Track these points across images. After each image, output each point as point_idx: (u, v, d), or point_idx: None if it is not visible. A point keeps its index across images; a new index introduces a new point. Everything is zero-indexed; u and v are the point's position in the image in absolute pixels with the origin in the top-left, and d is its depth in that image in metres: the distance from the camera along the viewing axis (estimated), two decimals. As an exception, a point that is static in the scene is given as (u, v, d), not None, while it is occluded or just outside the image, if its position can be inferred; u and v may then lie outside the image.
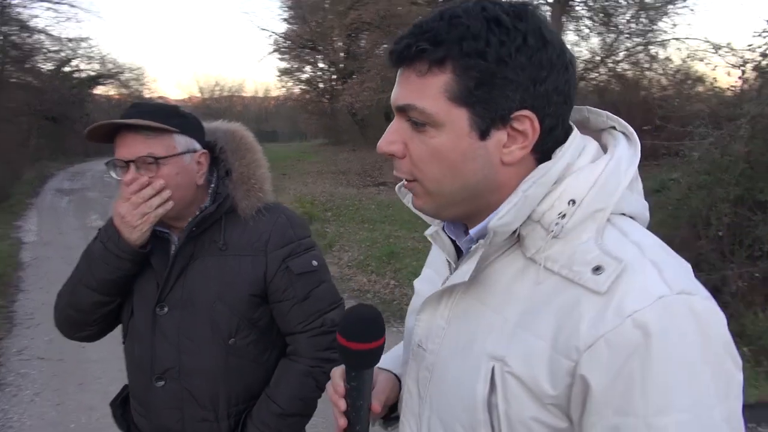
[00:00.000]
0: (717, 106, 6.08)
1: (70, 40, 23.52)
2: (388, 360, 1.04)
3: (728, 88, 6.17)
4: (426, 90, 0.74)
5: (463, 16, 0.72)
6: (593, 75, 12.75)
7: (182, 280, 1.45)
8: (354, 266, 7.49)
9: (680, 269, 0.71)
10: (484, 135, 0.74)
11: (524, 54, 0.72)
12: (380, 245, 8.03)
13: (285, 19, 23.43)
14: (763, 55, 5.48)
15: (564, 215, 0.73)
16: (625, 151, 0.77)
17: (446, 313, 0.84)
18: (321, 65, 23.45)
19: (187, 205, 1.46)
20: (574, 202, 0.73)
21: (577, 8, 13.25)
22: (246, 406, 1.50)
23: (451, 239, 0.88)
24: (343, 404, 0.90)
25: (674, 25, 13.29)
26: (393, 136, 0.79)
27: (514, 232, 0.77)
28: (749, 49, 5.61)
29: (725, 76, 12.17)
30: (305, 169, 15.99)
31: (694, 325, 0.65)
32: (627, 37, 12.23)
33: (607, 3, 12.32)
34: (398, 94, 0.77)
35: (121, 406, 1.61)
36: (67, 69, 27.01)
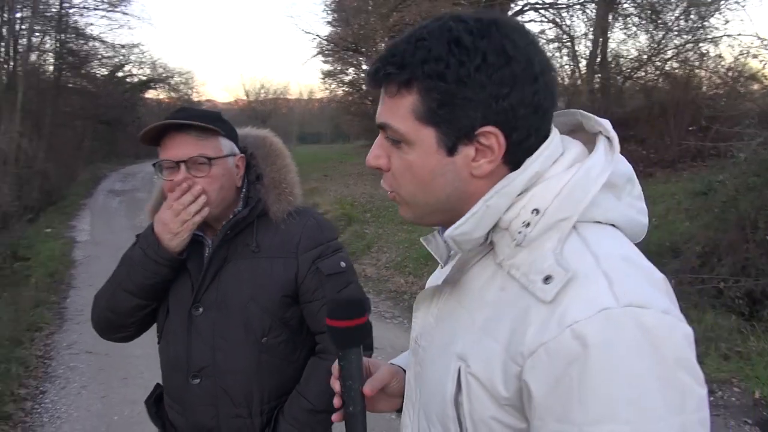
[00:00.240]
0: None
1: (123, 46, 24.33)
2: (402, 358, 1.10)
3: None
4: (397, 110, 0.79)
5: (427, 39, 0.76)
6: (640, 74, 12.40)
7: (216, 282, 1.49)
8: (392, 267, 7.52)
9: (640, 282, 0.70)
10: (451, 151, 0.77)
11: (484, 72, 0.74)
12: (418, 247, 8.02)
13: (328, 22, 23.74)
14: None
15: (528, 224, 0.74)
16: (600, 159, 0.77)
17: (436, 312, 0.88)
18: (364, 67, 23.61)
19: (228, 206, 1.50)
20: (537, 211, 0.74)
21: (625, 5, 12.93)
22: (277, 403, 1.54)
23: (446, 243, 0.90)
24: (338, 386, 0.97)
25: (726, 21, 12.83)
26: (378, 151, 0.83)
27: (488, 239, 0.79)
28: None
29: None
30: (346, 171, 16.12)
31: (640, 339, 0.65)
32: (676, 35, 11.85)
33: (655, 0, 11.99)
34: (378, 113, 0.82)
35: (155, 404, 1.66)
36: (120, 74, 27.99)
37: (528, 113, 0.76)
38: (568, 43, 12.91)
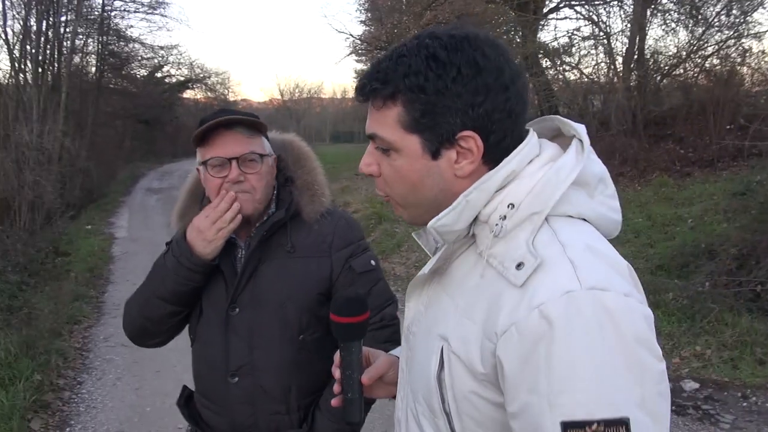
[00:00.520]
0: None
1: (161, 47, 24.90)
2: (399, 350, 1.17)
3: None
4: (384, 121, 0.87)
5: (407, 55, 0.84)
6: (679, 71, 12.06)
7: (252, 283, 1.52)
8: (420, 266, 7.49)
9: (603, 268, 0.76)
10: (435, 155, 0.86)
11: (459, 83, 0.82)
12: (448, 246, 8.00)
13: (362, 21, 23.83)
14: None
15: (505, 217, 0.82)
16: (570, 160, 0.84)
17: (426, 300, 0.96)
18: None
19: (267, 205, 1.54)
20: (513, 205, 0.82)
21: (663, 0, 12.62)
22: (313, 398, 1.57)
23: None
24: (338, 373, 1.07)
25: (771, 15, 12.38)
26: (369, 159, 0.92)
27: (470, 232, 0.87)
28: None
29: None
30: (378, 170, 16.12)
31: (601, 317, 0.71)
32: (717, 30, 11.51)
33: (695, -6, 11.66)
34: (367, 124, 0.91)
35: (185, 405, 1.69)
36: (159, 75, 28.66)
37: (502, 117, 0.84)
38: (604, 40, 12.65)
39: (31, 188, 10.64)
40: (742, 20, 10.95)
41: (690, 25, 11.98)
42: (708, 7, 11.71)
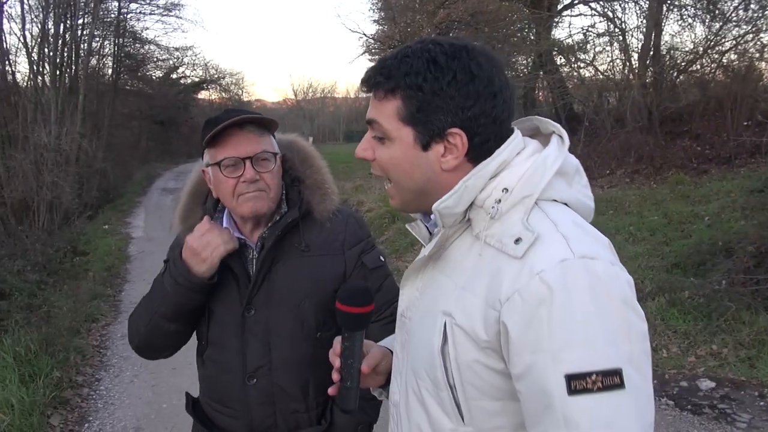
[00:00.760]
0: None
1: (177, 49, 25.21)
2: (388, 341, 1.26)
3: None
4: (383, 111, 0.97)
5: (410, 56, 0.94)
6: (695, 67, 11.92)
7: (267, 283, 1.51)
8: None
9: (590, 241, 0.87)
10: (425, 147, 0.95)
11: (453, 87, 0.92)
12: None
13: (375, 21, 23.86)
14: None
15: (500, 200, 0.92)
16: (553, 150, 0.95)
17: (420, 285, 1.04)
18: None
19: (278, 205, 1.53)
20: (507, 190, 0.92)
21: (680, -5, 12.47)
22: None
23: (428, 228, 1.09)
24: (338, 362, 1.13)
25: (790, 10, 12.18)
26: (365, 144, 1.02)
27: (465, 216, 0.96)
28: None
29: None
30: (392, 169, 16.12)
31: (594, 282, 0.81)
32: (735, 25, 11.36)
33: (712, -11, 11.51)
34: (369, 111, 1.01)
35: (194, 411, 1.68)
36: (174, 76, 28.93)
37: (488, 122, 0.94)
38: (619, 37, 12.54)
39: (49, 189, 10.81)
40: (760, 15, 10.80)
41: (707, 20, 11.84)
42: (725, 2, 11.57)
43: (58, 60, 13.96)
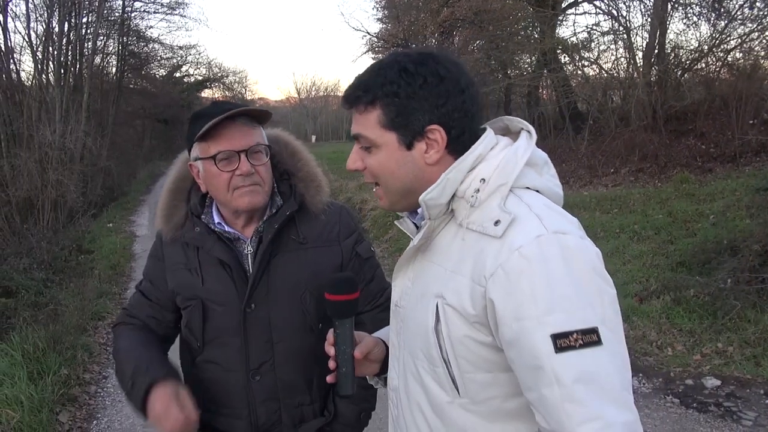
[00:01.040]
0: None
1: (180, 47, 25.20)
2: (381, 331, 1.34)
3: None
4: (366, 123, 1.07)
5: (384, 69, 1.05)
6: (700, 66, 11.87)
7: (267, 277, 1.50)
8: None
9: (561, 219, 0.98)
10: (409, 147, 1.06)
11: (425, 89, 1.03)
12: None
13: (379, 19, 23.89)
14: None
15: (478, 190, 1.02)
16: (523, 143, 1.05)
17: (411, 275, 1.14)
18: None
19: (271, 197, 1.53)
20: (484, 180, 1.02)
21: (684, -6, 12.42)
22: (331, 385, 1.57)
23: (414, 224, 1.18)
24: (332, 351, 1.21)
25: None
26: (354, 156, 1.12)
27: (449, 208, 1.05)
28: None
29: None
30: (396, 167, 16.12)
31: (566, 253, 0.91)
32: (740, 24, 11.32)
33: (717, -13, 11.46)
34: (353, 127, 1.10)
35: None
36: (177, 74, 28.98)
37: (461, 116, 1.05)
38: (624, 35, 12.51)
39: (54, 187, 10.85)
40: (766, 13, 10.76)
41: (712, 19, 11.80)
42: (731, 0, 11.53)
43: (62, 58, 13.99)
